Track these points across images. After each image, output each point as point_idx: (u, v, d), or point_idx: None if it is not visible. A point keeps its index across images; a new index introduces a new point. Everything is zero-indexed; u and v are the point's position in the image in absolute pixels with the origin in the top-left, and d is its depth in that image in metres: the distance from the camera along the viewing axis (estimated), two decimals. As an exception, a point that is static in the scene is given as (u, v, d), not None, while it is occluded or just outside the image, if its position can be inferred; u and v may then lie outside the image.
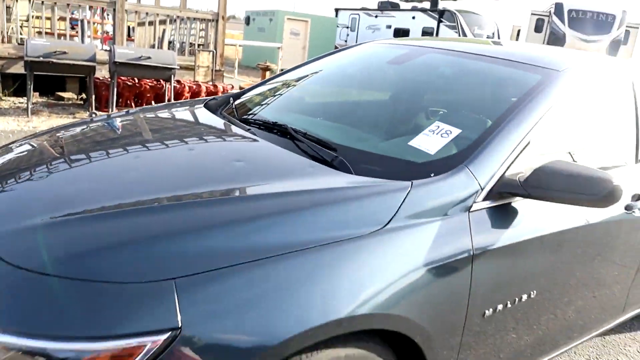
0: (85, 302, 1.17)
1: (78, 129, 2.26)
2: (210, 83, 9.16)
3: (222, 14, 9.65)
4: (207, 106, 2.58)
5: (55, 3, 8.27)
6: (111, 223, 1.37)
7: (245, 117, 2.37)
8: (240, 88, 9.95)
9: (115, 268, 1.21)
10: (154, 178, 1.68)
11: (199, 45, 10.15)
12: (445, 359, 1.66)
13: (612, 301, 2.46)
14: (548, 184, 1.68)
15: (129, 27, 10.81)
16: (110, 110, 7.49)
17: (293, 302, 1.26)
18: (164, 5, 9.44)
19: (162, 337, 1.14)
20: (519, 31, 23.69)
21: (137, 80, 8.11)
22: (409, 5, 23.71)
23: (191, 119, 2.45)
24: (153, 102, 8.25)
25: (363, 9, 23.12)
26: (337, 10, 24.02)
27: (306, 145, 1.89)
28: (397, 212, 1.52)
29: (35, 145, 2.06)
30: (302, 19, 19.10)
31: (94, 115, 7.17)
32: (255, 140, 2.00)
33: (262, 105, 2.64)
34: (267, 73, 9.90)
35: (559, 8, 20.25)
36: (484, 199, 1.69)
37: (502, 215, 1.74)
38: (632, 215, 2.26)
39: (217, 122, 2.31)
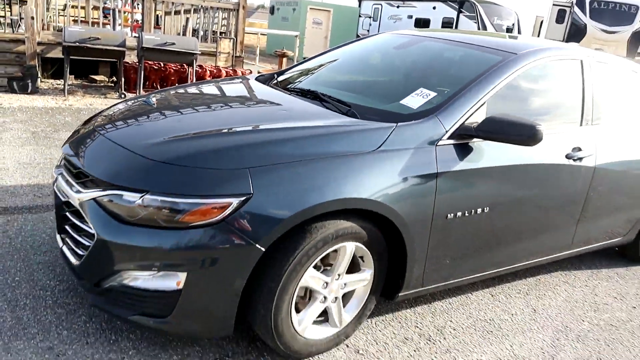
0: (197, 177, 2.04)
1: (173, 91, 3.19)
2: (231, 68, 9.81)
3: (243, 4, 10.27)
4: (257, 79, 3.52)
5: (90, -7, 9.00)
6: (210, 139, 2.26)
7: (286, 86, 3.28)
8: (258, 72, 10.60)
9: (213, 161, 2.09)
10: (234, 117, 2.62)
11: (221, 33, 10.81)
12: (419, 247, 2.46)
13: (558, 234, 3.21)
14: (491, 129, 2.49)
15: (157, 16, 11.53)
16: (137, 91, 8.21)
17: (317, 185, 2.11)
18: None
19: (242, 198, 2.01)
20: (542, 22, 23.71)
21: (162, 65, 8.81)
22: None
23: (249, 86, 3.38)
24: (177, 84, 8.95)
25: (386, -1, 23.50)
26: (360, 0, 24.44)
27: (329, 103, 2.74)
28: (385, 140, 2.36)
29: (153, 99, 3.01)
30: (324, 8, 19.60)
31: (123, 96, 7.92)
32: (295, 99, 2.90)
33: (298, 79, 3.51)
34: (284, 59, 10.51)
35: (580, -1, 20.28)
36: (448, 138, 2.50)
37: (461, 150, 2.53)
38: (572, 162, 3.02)
39: (268, 89, 3.23)
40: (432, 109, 2.58)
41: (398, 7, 22.40)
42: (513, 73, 2.80)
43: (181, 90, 3.25)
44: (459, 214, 2.53)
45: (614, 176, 3.35)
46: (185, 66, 8.84)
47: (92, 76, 9.14)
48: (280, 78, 3.52)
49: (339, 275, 2.34)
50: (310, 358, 2.40)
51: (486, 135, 2.52)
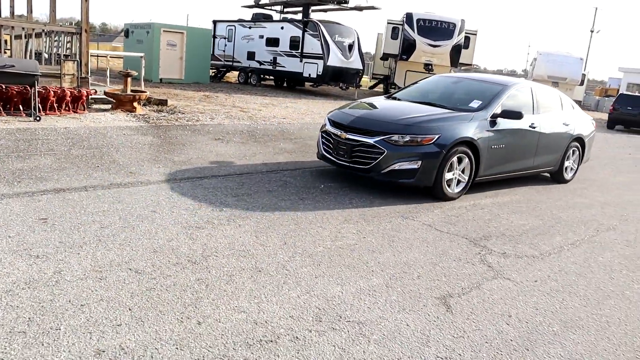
0: (424, 129, 6.26)
1: (372, 100, 7.82)
2: (76, 89, 10.39)
3: (85, 28, 10.91)
4: (384, 96, 8.27)
5: None
6: (422, 117, 6.56)
7: (407, 100, 7.61)
8: (105, 93, 11.24)
9: (428, 124, 6.35)
10: (410, 111, 6.81)
11: (66, 55, 11.32)
12: (483, 158, 6.72)
13: (528, 160, 7.70)
14: (504, 113, 6.89)
15: (5, 41, 11.71)
16: (-20, 113, 8.56)
17: (455, 132, 6.33)
18: (38, 18, 10.52)
19: (437, 135, 6.22)
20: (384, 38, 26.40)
21: (4, 87, 9.21)
22: (280, 16, 25.79)
23: (393, 100, 7.78)
24: (21, 106, 9.39)
25: (239, 20, 24.82)
26: (214, 22, 25.52)
27: (438, 106, 7.05)
28: (472, 118, 6.66)
29: (363, 103, 7.74)
30: (178, 31, 20.40)
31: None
32: (421, 104, 7.24)
33: (409, 96, 7.79)
34: (129, 79, 11.25)
35: (409, 17, 23.08)
36: (490, 118, 6.82)
37: (494, 122, 6.85)
38: (531, 129, 7.50)
39: (394, 100, 7.73)
40: (482, 107, 6.82)
41: (250, 27, 23.83)
42: (508, 92, 7.17)
43: (372, 100, 7.70)
44: (495, 146, 6.79)
45: (547, 136, 7.75)
46: (29, 87, 9.31)
47: None
48: (395, 96, 7.93)
49: (459, 168, 6.47)
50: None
51: (503, 116, 6.77)
